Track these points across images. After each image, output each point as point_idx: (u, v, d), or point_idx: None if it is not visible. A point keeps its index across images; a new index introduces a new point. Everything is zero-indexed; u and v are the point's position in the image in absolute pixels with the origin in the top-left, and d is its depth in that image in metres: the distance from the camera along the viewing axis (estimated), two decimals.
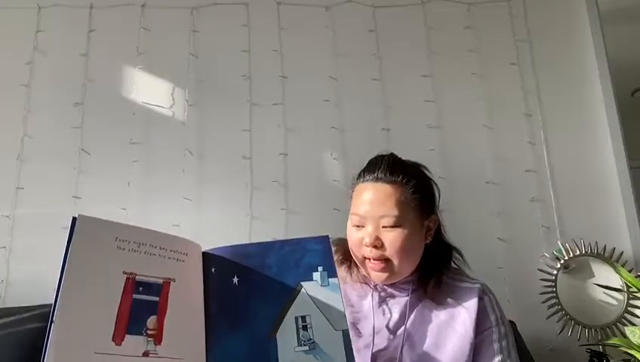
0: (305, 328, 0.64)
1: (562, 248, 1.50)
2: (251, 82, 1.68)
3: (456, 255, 0.95)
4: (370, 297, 0.90)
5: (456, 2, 1.76)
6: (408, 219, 0.84)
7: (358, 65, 1.70)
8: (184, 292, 0.63)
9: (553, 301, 1.45)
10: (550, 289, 1.46)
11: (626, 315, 1.42)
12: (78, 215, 0.59)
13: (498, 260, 1.52)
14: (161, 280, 0.62)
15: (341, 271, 0.93)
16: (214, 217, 1.56)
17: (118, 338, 0.55)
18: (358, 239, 0.86)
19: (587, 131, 1.66)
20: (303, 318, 0.65)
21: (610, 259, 1.47)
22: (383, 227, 0.83)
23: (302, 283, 0.67)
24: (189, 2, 1.73)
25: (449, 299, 0.87)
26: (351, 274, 0.93)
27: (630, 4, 2.03)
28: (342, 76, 1.69)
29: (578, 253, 1.48)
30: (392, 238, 0.82)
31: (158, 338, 0.58)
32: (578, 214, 1.58)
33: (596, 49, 1.70)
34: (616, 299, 1.46)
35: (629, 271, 1.38)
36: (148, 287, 0.60)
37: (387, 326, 0.86)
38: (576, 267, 1.49)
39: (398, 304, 0.88)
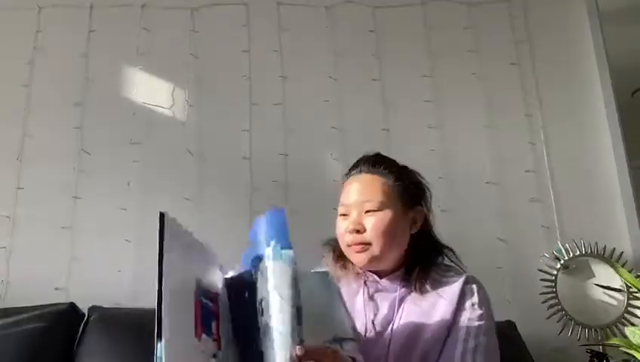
0: (262, 313, 0.57)
1: (562, 248, 1.50)
2: (251, 82, 1.68)
3: (449, 253, 0.96)
4: (360, 294, 0.91)
5: (456, 2, 1.76)
6: (390, 205, 0.88)
7: (358, 65, 1.70)
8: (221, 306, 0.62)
9: (553, 301, 1.45)
10: (550, 290, 1.46)
11: (626, 315, 1.42)
12: (166, 213, 0.56)
13: (498, 260, 1.52)
14: (213, 290, 0.61)
15: (337, 269, 0.94)
16: (214, 217, 1.56)
17: (198, 334, 0.54)
18: (343, 228, 0.90)
19: (587, 131, 1.66)
20: (260, 302, 0.58)
21: (610, 259, 1.47)
22: (366, 212, 0.88)
23: (255, 267, 0.62)
24: (189, 2, 1.73)
25: (435, 293, 0.88)
26: (346, 272, 0.94)
27: (630, 4, 2.02)
28: (342, 76, 1.69)
29: (578, 253, 1.48)
30: (374, 221, 0.86)
31: (219, 344, 0.57)
32: (578, 214, 1.58)
33: (596, 49, 1.70)
34: (617, 299, 1.46)
35: (629, 272, 1.38)
36: (207, 295, 0.59)
37: (376, 323, 0.87)
38: (576, 267, 1.49)
39: (386, 300, 0.89)
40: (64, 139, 1.59)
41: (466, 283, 0.88)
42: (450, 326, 0.83)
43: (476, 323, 0.83)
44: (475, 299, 0.87)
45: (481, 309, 0.86)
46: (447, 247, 0.96)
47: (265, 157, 1.62)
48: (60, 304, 1.30)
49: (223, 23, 1.73)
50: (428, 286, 0.87)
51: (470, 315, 0.84)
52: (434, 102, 1.67)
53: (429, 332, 0.83)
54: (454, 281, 0.88)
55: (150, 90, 1.65)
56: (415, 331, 0.84)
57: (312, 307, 0.64)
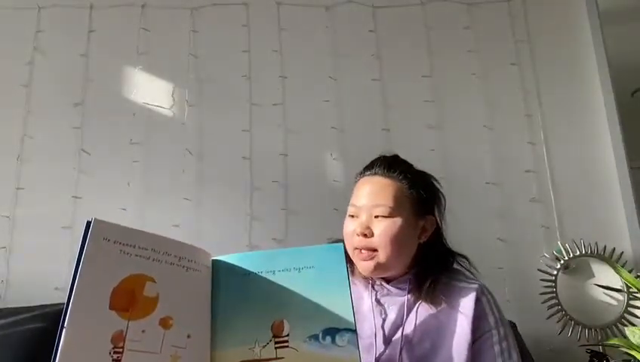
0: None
1: (562, 248, 1.50)
2: (251, 82, 1.68)
3: (462, 260, 0.93)
4: (367, 298, 0.90)
5: (456, 2, 1.76)
6: (401, 213, 0.85)
7: (358, 65, 1.70)
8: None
9: (553, 301, 1.45)
10: (550, 290, 1.46)
11: (626, 315, 1.42)
12: (94, 219, 0.57)
13: (498, 260, 1.52)
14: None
15: None
16: (214, 217, 1.56)
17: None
18: (350, 229, 0.87)
19: (587, 131, 1.66)
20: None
21: (611, 259, 1.47)
22: (376, 217, 0.85)
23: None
24: (189, 2, 1.73)
25: (446, 299, 0.86)
26: (353, 274, 0.93)
27: (630, 4, 2.02)
28: (342, 76, 1.69)
29: (578, 253, 1.48)
30: (383, 228, 0.84)
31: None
32: (578, 214, 1.58)
33: (596, 49, 1.70)
34: (616, 300, 1.46)
35: (629, 272, 1.38)
36: None
37: (385, 327, 0.86)
38: (576, 267, 1.49)
39: (395, 304, 0.88)
40: (64, 139, 1.59)
41: (480, 295, 0.86)
42: (475, 347, 0.82)
43: (505, 344, 0.83)
44: (497, 314, 0.85)
45: (503, 325, 0.85)
46: (460, 255, 0.94)
47: (265, 157, 1.62)
48: (59, 304, 1.30)
49: (223, 23, 1.73)
50: (437, 296, 0.86)
51: (499, 336, 0.83)
52: (434, 102, 1.67)
53: (450, 346, 0.82)
54: (466, 291, 0.86)
55: (150, 90, 1.65)
56: (433, 343, 0.83)
57: (308, 287, 0.65)
